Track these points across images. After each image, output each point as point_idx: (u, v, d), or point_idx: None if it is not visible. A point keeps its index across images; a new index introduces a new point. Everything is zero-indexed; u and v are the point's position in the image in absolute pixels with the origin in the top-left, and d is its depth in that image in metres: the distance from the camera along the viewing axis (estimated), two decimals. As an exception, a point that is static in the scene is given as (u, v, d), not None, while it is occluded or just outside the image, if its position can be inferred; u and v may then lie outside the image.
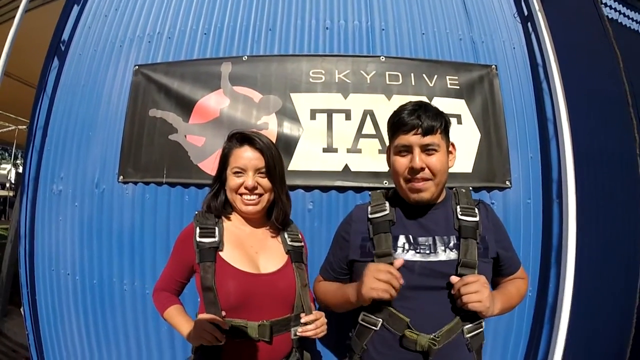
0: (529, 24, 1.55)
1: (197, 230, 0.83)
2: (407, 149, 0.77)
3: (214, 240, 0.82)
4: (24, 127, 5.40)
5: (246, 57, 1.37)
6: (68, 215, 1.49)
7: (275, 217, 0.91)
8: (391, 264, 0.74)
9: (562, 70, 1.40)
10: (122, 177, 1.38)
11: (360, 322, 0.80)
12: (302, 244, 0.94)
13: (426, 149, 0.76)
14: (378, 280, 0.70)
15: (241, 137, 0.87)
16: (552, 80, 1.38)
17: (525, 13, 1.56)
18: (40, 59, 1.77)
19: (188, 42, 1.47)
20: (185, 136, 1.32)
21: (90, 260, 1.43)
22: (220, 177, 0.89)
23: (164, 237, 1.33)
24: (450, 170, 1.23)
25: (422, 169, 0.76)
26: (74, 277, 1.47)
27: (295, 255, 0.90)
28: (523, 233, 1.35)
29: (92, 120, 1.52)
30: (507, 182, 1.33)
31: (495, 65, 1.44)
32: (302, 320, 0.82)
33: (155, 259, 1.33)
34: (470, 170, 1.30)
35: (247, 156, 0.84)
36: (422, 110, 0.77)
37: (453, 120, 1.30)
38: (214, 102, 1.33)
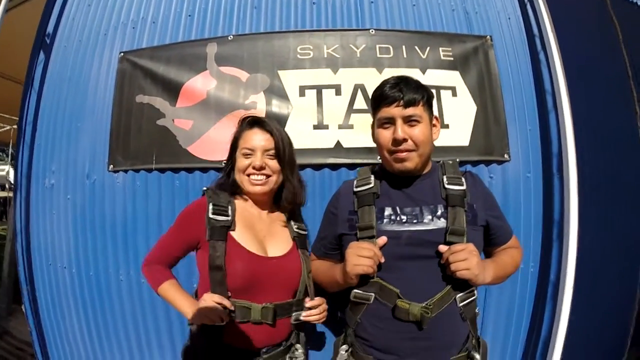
0: (524, -7, 1.50)
1: (210, 206, 0.82)
2: (390, 121, 0.78)
3: (227, 219, 0.82)
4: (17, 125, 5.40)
5: (232, 36, 1.33)
6: (61, 208, 1.48)
7: (284, 197, 0.91)
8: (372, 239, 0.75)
9: (560, 41, 1.36)
10: (112, 166, 1.36)
11: (353, 298, 0.80)
12: (307, 232, 0.95)
13: (408, 121, 0.77)
14: (360, 256, 0.71)
15: (252, 120, 0.88)
16: (550, 51, 1.35)
17: (520, -18, 1.51)
18: (28, 55, 1.74)
19: (172, 25, 1.43)
20: (173, 120, 1.30)
21: (85, 252, 1.42)
22: (231, 160, 0.90)
23: (156, 223, 1.31)
24: (446, 144, 1.25)
25: (405, 140, 0.76)
26: (70, 270, 1.47)
27: (301, 241, 0.91)
28: (524, 207, 1.32)
29: (80, 111, 1.49)
30: (506, 155, 1.30)
31: (490, 36, 1.40)
32: (307, 305, 0.84)
33: (148, 247, 1.31)
34: (467, 144, 1.27)
35: (256, 137, 0.85)
36: (403, 83, 0.77)
37: (447, 93, 1.28)
38: (200, 84, 1.29)
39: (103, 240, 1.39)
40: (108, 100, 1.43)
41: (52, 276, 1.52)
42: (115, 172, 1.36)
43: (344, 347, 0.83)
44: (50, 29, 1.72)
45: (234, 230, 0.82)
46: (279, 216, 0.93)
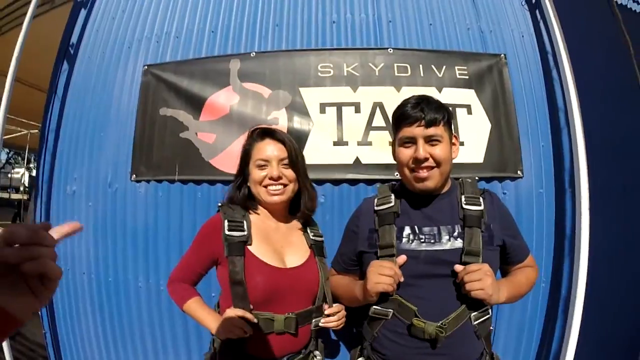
0: (537, 11, 1.53)
1: (226, 223, 0.83)
2: (411, 141, 0.79)
3: (243, 234, 0.82)
4: (36, 130, 5.50)
5: (254, 53, 1.37)
6: (82, 215, 1.51)
7: (304, 204, 0.92)
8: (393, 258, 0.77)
9: (572, 57, 1.38)
10: (134, 175, 1.40)
11: (371, 314, 0.82)
12: (323, 238, 0.96)
13: (430, 140, 0.78)
14: (381, 275, 0.73)
15: (262, 132, 0.88)
16: (562, 68, 1.37)
17: (533, 1, 1.54)
18: (48, 63, 1.80)
19: (196, 40, 1.48)
20: (196, 133, 1.34)
21: (105, 258, 1.46)
22: (243, 173, 0.90)
23: (177, 233, 1.34)
24: (461, 161, 1.27)
25: (426, 159, 0.78)
26: (89, 275, 1.50)
27: (318, 249, 0.92)
28: (536, 223, 1.34)
29: (104, 121, 1.54)
30: (519, 172, 1.32)
31: (504, 55, 1.43)
32: (326, 312, 0.85)
33: (169, 255, 1.35)
34: (481, 161, 1.30)
35: (269, 148, 0.86)
36: (424, 103, 0.79)
37: (463, 111, 1.31)
38: (223, 99, 1.33)
39: (123, 248, 1.42)
40: (131, 111, 1.47)
41: (70, 281, 1.55)
42: (137, 181, 1.40)
43: (361, 359, 0.85)
44: (74, 39, 1.78)
45: (251, 244, 0.83)
46: (295, 224, 0.94)
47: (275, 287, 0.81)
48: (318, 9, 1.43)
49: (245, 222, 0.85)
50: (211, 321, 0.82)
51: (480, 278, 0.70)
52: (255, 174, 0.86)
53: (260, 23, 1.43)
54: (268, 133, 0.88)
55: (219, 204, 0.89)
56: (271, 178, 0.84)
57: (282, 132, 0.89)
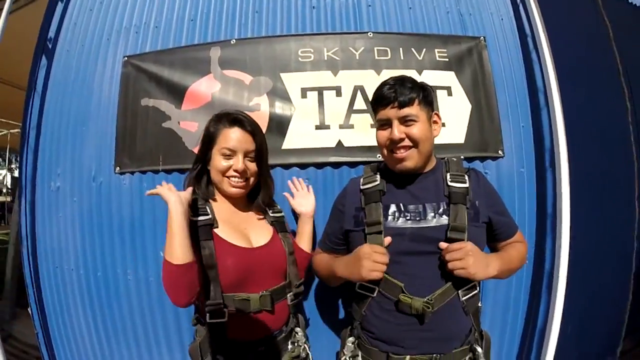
0: (517, -6, 1.55)
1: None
2: (387, 122, 0.80)
3: (208, 217, 0.82)
4: (16, 130, 5.37)
5: (234, 40, 1.37)
6: (68, 210, 1.50)
7: (262, 199, 0.93)
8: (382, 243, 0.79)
9: (552, 40, 1.40)
10: (118, 168, 1.39)
11: (358, 290, 0.83)
12: (283, 213, 0.97)
13: (405, 121, 0.79)
14: (376, 262, 0.74)
15: (233, 119, 0.85)
16: (541, 50, 1.38)
17: (513, -17, 1.56)
18: (27, 60, 1.76)
19: (175, 29, 1.46)
20: (179, 122, 1.33)
21: (92, 253, 1.45)
22: (205, 157, 0.87)
23: (163, 224, 1.29)
24: (442, 142, 1.29)
25: (402, 140, 0.78)
26: (77, 271, 1.49)
27: (279, 225, 0.93)
28: (518, 202, 1.37)
29: (85, 115, 1.52)
30: (500, 152, 1.35)
31: (484, 37, 1.44)
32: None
33: (156, 245, 1.35)
34: (462, 141, 1.32)
35: (238, 138, 0.84)
36: (398, 84, 0.79)
37: (443, 93, 1.33)
38: (205, 87, 1.33)
39: (110, 241, 1.42)
40: (113, 104, 1.45)
41: (59, 278, 1.54)
42: (122, 174, 1.39)
43: (351, 339, 0.86)
44: (52, 33, 1.74)
45: (217, 227, 0.83)
46: (256, 210, 0.95)
47: (246, 267, 0.82)
48: (297, -6, 1.43)
49: (207, 206, 0.84)
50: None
51: (461, 257, 0.72)
52: (219, 162, 0.84)
53: (239, 10, 1.42)
54: (238, 121, 0.85)
55: None
56: (235, 170, 0.83)
57: (252, 122, 0.87)
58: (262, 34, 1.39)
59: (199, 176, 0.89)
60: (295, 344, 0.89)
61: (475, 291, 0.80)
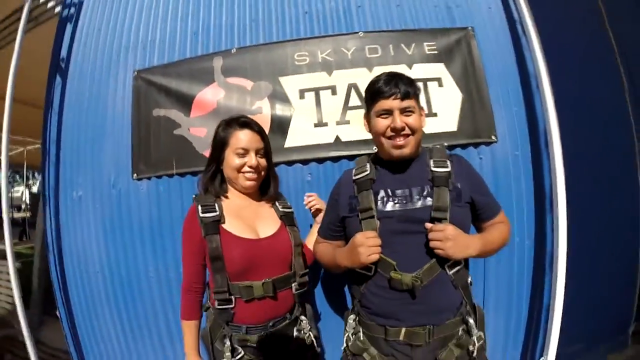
0: (503, -19, 1.57)
1: (199, 207, 0.91)
2: (388, 112, 0.87)
3: (215, 214, 0.90)
4: (32, 147, 5.55)
5: (235, 49, 1.46)
6: (90, 217, 1.61)
7: (274, 188, 1.03)
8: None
9: (540, 24, 1.41)
10: (135, 174, 1.50)
11: (358, 270, 0.89)
12: (292, 209, 1.05)
13: (404, 111, 0.86)
14: (370, 247, 0.81)
15: (243, 122, 0.96)
16: (529, 35, 1.39)
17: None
18: (37, 78, 1.86)
19: (180, 43, 1.57)
20: (189, 129, 1.43)
21: (116, 255, 1.56)
22: (218, 159, 0.97)
23: (180, 222, 1.39)
24: (436, 130, 1.36)
25: (403, 128, 0.86)
26: (103, 273, 1.59)
27: (288, 219, 1.01)
28: (514, 184, 1.41)
29: (101, 127, 1.63)
30: (493, 137, 1.40)
31: (472, 27, 1.49)
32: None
33: (175, 243, 1.45)
34: (455, 129, 1.38)
35: (249, 138, 0.94)
36: (397, 78, 0.87)
37: (434, 84, 1.40)
38: (210, 95, 1.43)
39: (132, 243, 1.52)
40: (127, 115, 1.57)
41: (85, 281, 1.65)
42: (139, 180, 1.50)
43: (352, 316, 0.94)
44: (64, 53, 1.86)
45: (224, 222, 0.90)
46: (266, 202, 1.03)
47: (251, 257, 0.89)
48: (290, 2, 1.51)
49: (216, 204, 0.93)
50: (190, 347, 0.94)
51: (440, 239, 0.78)
52: (234, 160, 0.93)
53: (237, 21, 1.52)
54: (247, 124, 0.96)
55: (194, 196, 0.97)
56: (250, 166, 0.93)
57: (257, 124, 0.98)
58: (260, 41, 1.48)
59: (213, 176, 0.98)
60: (301, 332, 0.96)
61: (460, 266, 0.86)
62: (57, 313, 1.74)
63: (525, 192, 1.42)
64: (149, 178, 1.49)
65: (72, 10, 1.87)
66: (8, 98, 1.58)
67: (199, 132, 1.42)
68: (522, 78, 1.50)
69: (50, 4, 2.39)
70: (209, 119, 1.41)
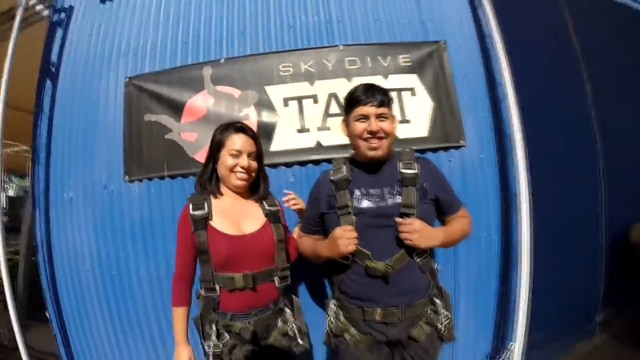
0: (474, -1, 1.68)
1: (190, 205, 1.00)
2: (365, 117, 0.99)
3: (204, 212, 0.99)
4: (9, 149, 5.38)
5: (223, 59, 1.56)
6: (81, 217, 1.65)
7: (263, 189, 1.12)
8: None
9: (507, 35, 1.53)
10: (127, 176, 1.57)
11: (338, 260, 1.00)
12: (279, 207, 1.14)
13: (379, 117, 0.98)
14: (349, 239, 0.91)
15: (238, 127, 1.05)
16: (496, 47, 1.51)
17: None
18: (22, 81, 1.87)
19: (171, 51, 1.65)
20: (179, 134, 1.52)
21: (107, 254, 1.60)
22: (214, 158, 1.06)
23: (170, 223, 1.50)
24: (409, 136, 1.49)
25: (378, 131, 0.98)
26: (93, 272, 1.63)
27: (273, 217, 1.08)
28: (482, 183, 1.55)
29: (93, 131, 1.68)
30: (462, 141, 1.54)
31: (444, 41, 1.62)
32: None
33: (165, 243, 1.52)
34: (427, 135, 1.51)
35: (243, 141, 1.03)
36: (374, 88, 0.99)
37: (407, 93, 1.53)
38: (200, 102, 1.52)
39: (123, 243, 1.58)
40: (118, 120, 1.63)
41: (75, 280, 1.68)
42: (131, 181, 1.57)
43: (333, 301, 1.05)
44: (54, 58, 1.89)
45: (211, 220, 0.98)
46: (254, 201, 1.10)
47: (234, 251, 0.97)
48: (276, 16, 1.62)
49: (205, 203, 1.01)
50: (179, 335, 1.01)
51: (409, 231, 0.90)
52: (228, 160, 1.02)
53: (226, 32, 1.61)
54: (243, 129, 1.06)
55: (189, 196, 1.04)
56: (242, 167, 1.02)
57: (252, 129, 1.08)
58: (247, 52, 1.58)
59: (209, 174, 1.06)
60: (286, 323, 1.04)
61: (426, 254, 0.98)
62: (47, 314, 1.75)
63: (491, 190, 1.55)
64: (140, 180, 1.56)
65: (63, 15, 1.90)
66: (1, 103, 1.61)
67: (189, 137, 1.51)
68: (489, 86, 1.63)
69: (38, 7, 2.41)
70: (199, 125, 1.50)
